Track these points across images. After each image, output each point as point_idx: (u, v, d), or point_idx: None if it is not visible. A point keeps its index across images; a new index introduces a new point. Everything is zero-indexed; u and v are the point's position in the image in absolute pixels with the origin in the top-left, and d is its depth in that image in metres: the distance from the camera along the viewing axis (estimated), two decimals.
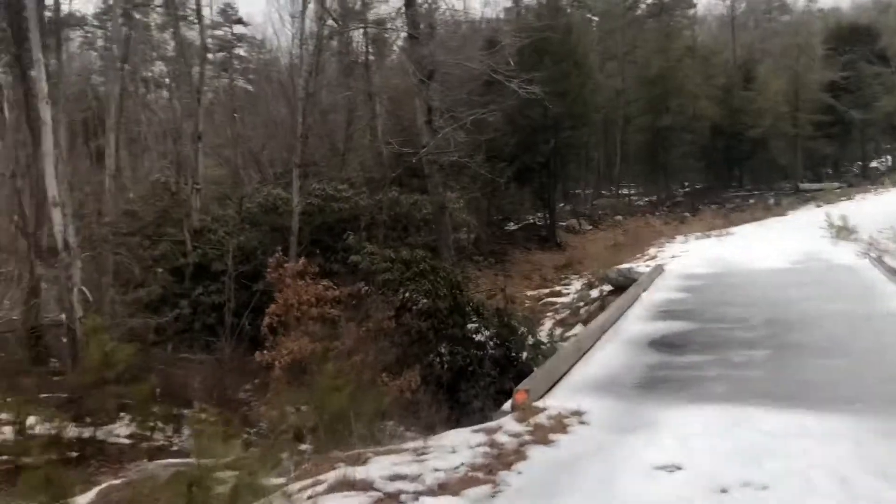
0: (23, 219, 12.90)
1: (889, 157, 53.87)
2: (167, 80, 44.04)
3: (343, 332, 11.07)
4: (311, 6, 24.55)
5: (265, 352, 10.46)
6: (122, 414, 10.01)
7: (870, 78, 43.72)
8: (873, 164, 52.83)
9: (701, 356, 9.72)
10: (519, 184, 37.78)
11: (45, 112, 10.95)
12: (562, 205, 43.31)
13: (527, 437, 6.46)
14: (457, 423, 14.42)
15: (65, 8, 41.65)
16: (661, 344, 10.64)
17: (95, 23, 50.57)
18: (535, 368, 17.25)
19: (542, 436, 6.48)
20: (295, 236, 17.66)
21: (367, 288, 17.89)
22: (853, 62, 44.23)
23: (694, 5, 55.47)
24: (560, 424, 6.84)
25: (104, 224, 12.45)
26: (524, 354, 17.43)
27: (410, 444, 6.65)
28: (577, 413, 7.20)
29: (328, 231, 19.33)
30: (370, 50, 31.80)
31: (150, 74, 48.08)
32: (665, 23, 49.37)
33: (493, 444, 6.31)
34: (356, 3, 29.07)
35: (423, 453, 6.26)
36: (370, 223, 19.27)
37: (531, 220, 39.90)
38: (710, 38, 56.64)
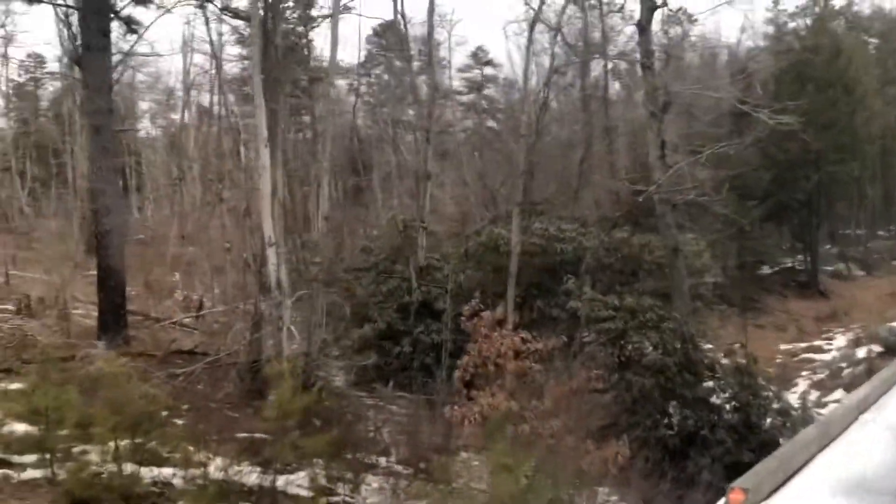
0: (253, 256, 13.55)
1: None
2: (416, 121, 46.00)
3: (545, 389, 10.05)
4: (546, 40, 24.14)
5: (455, 407, 9.76)
6: (315, 460, 9.77)
7: None
8: None
9: None
10: (774, 224, 34.30)
11: (264, 155, 11.32)
12: (827, 247, 38.67)
13: None
14: (678, 501, 12.77)
15: (326, 56, 45.34)
16: None
17: (361, 71, 54.82)
18: (780, 440, 15.02)
19: None
20: (513, 278, 16.98)
21: (587, 336, 16.73)
22: None
23: None
24: None
25: (314, 264, 12.67)
26: (768, 421, 15.16)
27: None
28: None
29: (550, 273, 18.41)
30: (611, 83, 30.68)
31: (404, 118, 50.98)
32: None
33: None
34: (590, 34, 28.18)
35: None
36: (596, 266, 18.06)
37: (789, 264, 35.93)
38: None
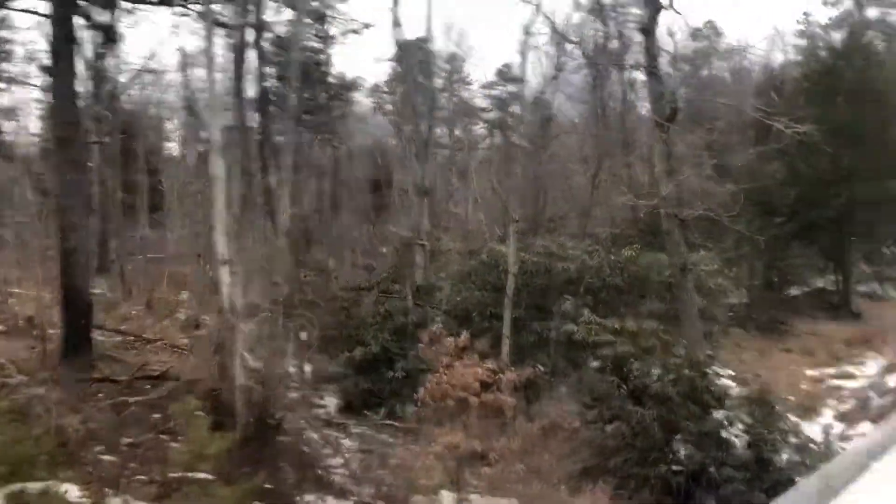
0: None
1: None
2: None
3: (517, 425, 8.95)
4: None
5: (410, 446, 8.70)
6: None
7: None
8: None
9: None
10: (804, 242, 32.65)
11: (216, 164, 10.46)
12: (862, 267, 36.77)
13: None
14: None
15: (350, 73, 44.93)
16: None
17: (385, 89, 54.44)
18: (797, 479, 13.63)
19: None
20: (510, 298, 15.86)
21: (590, 363, 15.53)
22: None
23: None
24: None
25: (275, 284, 11.74)
26: (784, 457, 13.78)
27: None
28: None
29: (551, 294, 17.25)
30: (627, 94, 29.56)
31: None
32: None
33: None
34: (609, 45, 27.17)
35: None
36: (600, 286, 16.87)
37: (820, 285, 34.19)
38: None
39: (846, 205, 30.18)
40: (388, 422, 16.14)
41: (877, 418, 16.20)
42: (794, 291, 32.49)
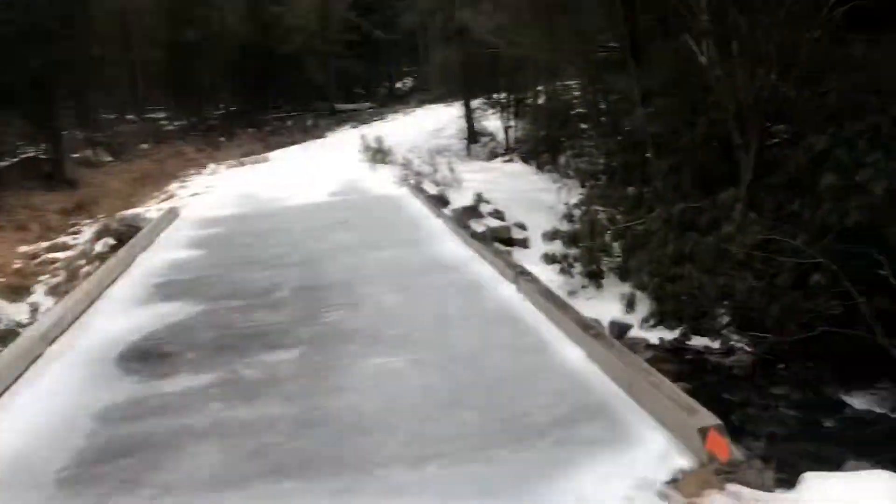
0: None
1: (410, 79, 56.42)
2: None
3: None
4: None
5: None
6: None
7: None
8: (398, 84, 55.22)
9: (196, 376, 6.31)
10: (7, 109, 30.08)
11: None
12: (77, 133, 36.24)
13: None
14: None
15: None
16: (140, 356, 6.94)
17: None
18: None
19: None
20: None
21: None
22: None
23: None
24: None
25: None
26: None
27: None
28: None
29: None
30: None
31: None
32: None
33: None
34: None
35: None
36: None
37: (32, 154, 32.40)
38: None
39: (48, 67, 28.64)
40: None
41: None
42: (2, 163, 30.05)
